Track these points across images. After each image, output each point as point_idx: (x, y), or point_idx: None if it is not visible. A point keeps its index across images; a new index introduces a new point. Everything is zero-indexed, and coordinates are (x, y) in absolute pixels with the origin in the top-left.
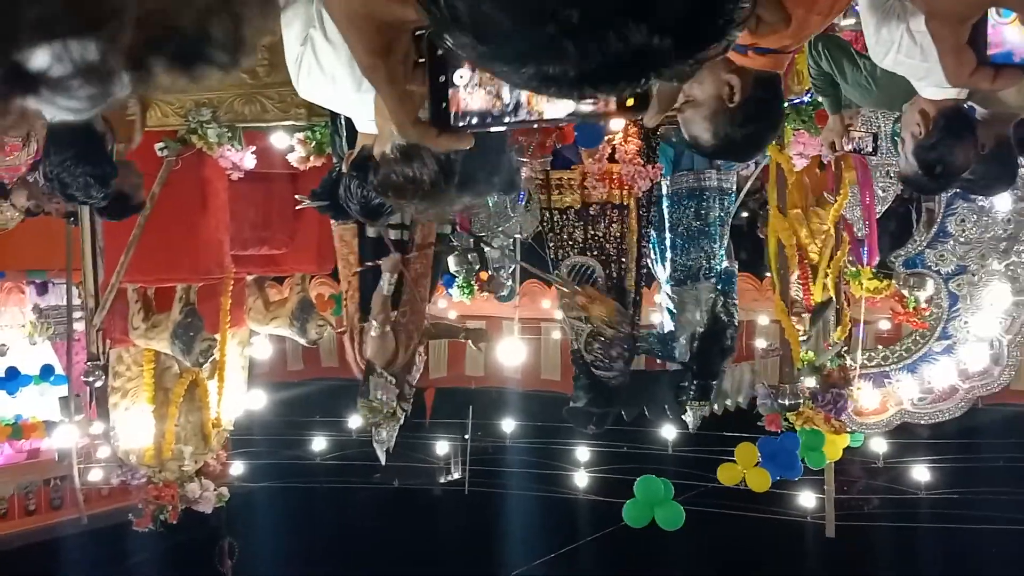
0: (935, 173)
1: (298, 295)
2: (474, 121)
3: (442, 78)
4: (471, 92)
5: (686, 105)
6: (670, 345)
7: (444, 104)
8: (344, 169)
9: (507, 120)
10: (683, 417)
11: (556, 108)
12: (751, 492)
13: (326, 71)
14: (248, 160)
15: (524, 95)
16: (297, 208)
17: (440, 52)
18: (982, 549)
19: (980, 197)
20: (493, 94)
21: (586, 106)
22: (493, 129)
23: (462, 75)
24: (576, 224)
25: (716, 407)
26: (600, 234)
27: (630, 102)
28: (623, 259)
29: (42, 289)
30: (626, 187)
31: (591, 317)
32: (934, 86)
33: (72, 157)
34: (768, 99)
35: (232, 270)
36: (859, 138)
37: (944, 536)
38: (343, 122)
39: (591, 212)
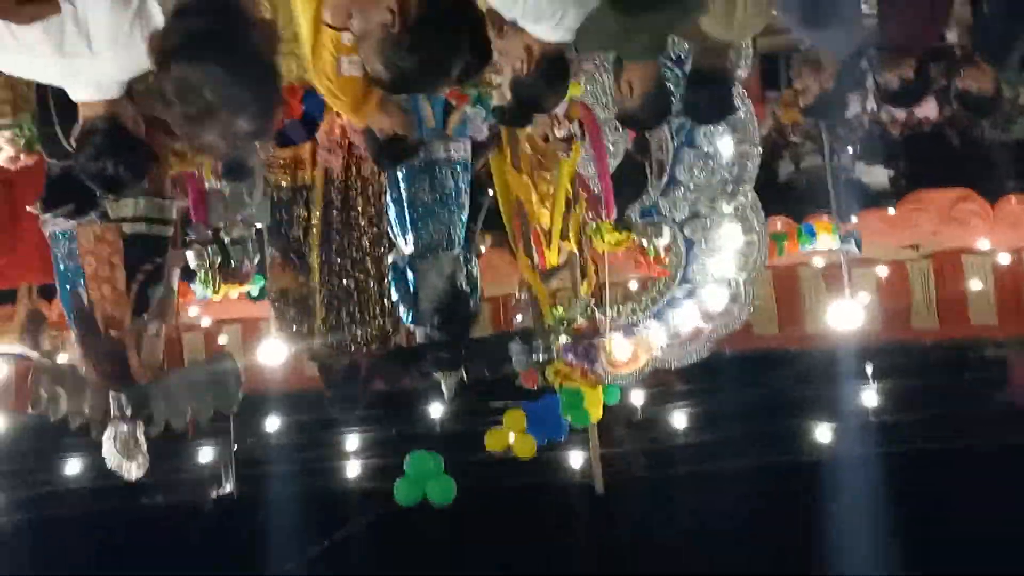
0: (524, 108)
1: (26, 307)
2: None
3: None
4: None
5: (359, 41)
6: (415, 317)
7: None
8: (73, 146)
9: None
10: (442, 388)
11: None
12: (520, 461)
13: (19, 38)
14: None
15: None
16: (23, 213)
17: None
18: (737, 487)
19: (705, 144)
20: None
21: None
22: None
23: None
24: (274, 208)
25: (467, 376)
26: (287, 217)
27: None
28: (307, 242)
29: None
30: (312, 167)
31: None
32: (534, 23)
33: None
34: (438, 18)
35: None
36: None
37: (703, 478)
38: (55, 107)
39: (282, 196)
